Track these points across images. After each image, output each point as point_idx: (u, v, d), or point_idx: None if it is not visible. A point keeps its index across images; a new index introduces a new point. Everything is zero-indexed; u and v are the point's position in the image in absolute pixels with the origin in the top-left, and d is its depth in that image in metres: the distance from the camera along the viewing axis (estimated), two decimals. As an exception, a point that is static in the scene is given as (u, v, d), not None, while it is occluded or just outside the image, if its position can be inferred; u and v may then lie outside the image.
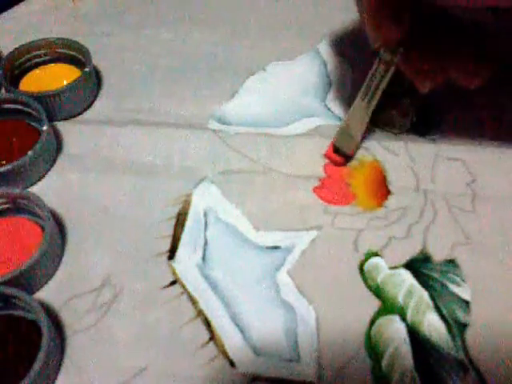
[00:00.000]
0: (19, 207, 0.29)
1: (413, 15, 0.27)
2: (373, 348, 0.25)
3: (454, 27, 0.29)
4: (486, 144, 0.33)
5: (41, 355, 0.23)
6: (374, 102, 0.31)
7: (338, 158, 0.32)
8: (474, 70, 0.29)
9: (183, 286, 0.27)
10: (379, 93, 0.31)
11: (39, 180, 0.32)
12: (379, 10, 0.27)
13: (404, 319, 0.26)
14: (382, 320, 0.26)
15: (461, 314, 0.26)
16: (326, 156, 0.32)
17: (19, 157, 0.30)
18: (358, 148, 0.33)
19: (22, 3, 0.45)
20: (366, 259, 0.28)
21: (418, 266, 0.28)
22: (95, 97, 0.37)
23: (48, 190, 0.31)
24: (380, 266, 0.28)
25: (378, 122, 0.33)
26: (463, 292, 0.27)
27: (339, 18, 0.41)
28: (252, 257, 0.28)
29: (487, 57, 0.29)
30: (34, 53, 0.37)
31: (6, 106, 0.34)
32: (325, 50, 0.40)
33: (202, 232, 0.29)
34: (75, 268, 0.28)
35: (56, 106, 0.34)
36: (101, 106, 0.37)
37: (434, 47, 0.29)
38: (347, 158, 0.32)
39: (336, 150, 0.32)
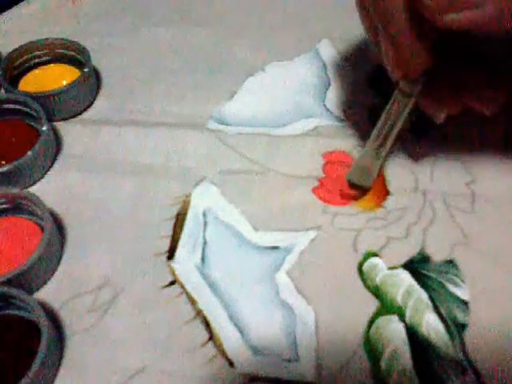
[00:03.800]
0: (19, 207, 0.29)
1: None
2: (371, 348, 0.25)
3: (466, 56, 0.28)
4: (485, 144, 0.33)
5: (40, 355, 0.23)
6: (390, 142, 0.30)
7: (353, 193, 0.31)
8: (490, 97, 0.28)
9: (182, 286, 0.27)
10: (396, 130, 0.29)
11: (39, 180, 0.32)
12: (413, 41, 0.25)
13: (403, 319, 0.26)
14: (380, 320, 0.26)
15: (460, 315, 0.26)
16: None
17: (19, 157, 0.31)
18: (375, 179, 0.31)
19: (22, 3, 0.45)
20: (365, 259, 0.28)
21: (417, 266, 0.28)
22: (94, 97, 0.37)
23: (47, 190, 0.32)
24: (379, 266, 0.28)
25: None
26: (462, 292, 0.27)
27: (339, 18, 0.41)
28: (251, 257, 0.28)
29: (501, 83, 0.28)
30: (34, 53, 0.37)
31: (6, 106, 0.34)
32: (324, 50, 0.40)
33: (201, 232, 0.30)
34: (74, 268, 0.28)
35: (55, 106, 0.34)
36: (100, 106, 0.37)
37: (449, 77, 0.28)
38: (363, 190, 0.31)
39: (352, 185, 0.31)
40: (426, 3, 0.23)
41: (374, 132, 0.30)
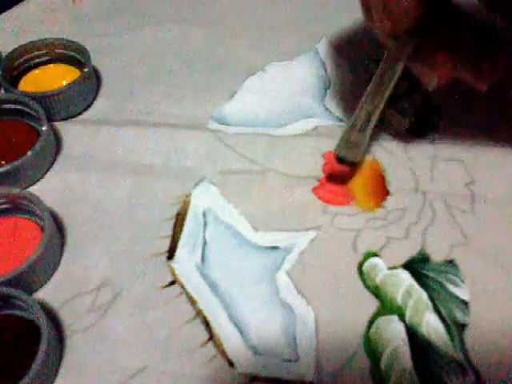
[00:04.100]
0: (18, 207, 0.29)
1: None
2: (371, 348, 0.25)
3: (464, 22, 0.27)
4: (484, 144, 0.33)
5: (40, 355, 0.23)
6: (378, 113, 0.29)
7: (344, 168, 0.30)
8: (484, 69, 0.28)
9: (182, 286, 0.27)
10: (384, 100, 0.29)
11: (38, 180, 0.32)
12: None
13: (403, 319, 0.26)
14: (380, 320, 0.26)
15: (459, 315, 0.26)
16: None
17: (18, 157, 0.30)
18: (365, 153, 0.31)
19: (22, 3, 0.45)
20: (365, 259, 0.28)
21: (417, 266, 0.28)
22: (94, 97, 0.37)
23: (47, 190, 0.31)
24: (379, 267, 0.28)
25: (377, 122, 0.33)
26: (462, 292, 0.27)
27: (338, 18, 0.41)
28: (251, 257, 0.28)
29: (498, 56, 0.28)
30: (34, 53, 0.37)
31: (6, 106, 0.34)
32: (324, 50, 0.40)
33: (201, 232, 0.30)
34: (74, 268, 0.28)
35: (55, 107, 0.34)
36: (100, 106, 0.37)
37: (444, 40, 0.27)
38: (351, 166, 0.31)
39: (340, 160, 0.30)
40: None
41: (362, 101, 0.29)
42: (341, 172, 0.30)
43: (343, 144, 0.30)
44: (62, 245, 0.29)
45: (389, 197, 0.31)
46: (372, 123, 0.30)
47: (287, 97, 0.37)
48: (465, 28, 0.27)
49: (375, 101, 0.29)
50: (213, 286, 0.27)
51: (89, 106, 0.36)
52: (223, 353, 0.25)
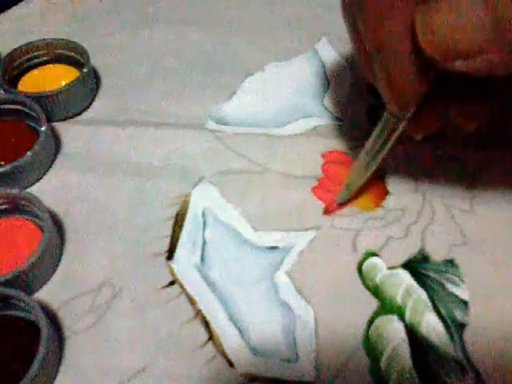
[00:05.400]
0: (18, 208, 0.29)
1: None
2: (371, 348, 0.25)
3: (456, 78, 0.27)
4: (484, 144, 0.33)
5: (39, 356, 0.23)
6: (376, 164, 0.29)
7: (337, 207, 0.31)
8: (473, 112, 0.27)
9: (182, 286, 0.27)
10: (384, 152, 0.28)
11: (38, 180, 0.32)
12: (413, 76, 0.24)
13: (402, 319, 0.26)
14: (380, 320, 0.26)
15: (459, 314, 0.26)
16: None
17: (18, 157, 0.30)
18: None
19: (22, 3, 0.45)
20: (365, 259, 0.28)
21: (417, 266, 0.28)
22: (94, 97, 0.37)
23: (47, 190, 0.31)
24: (378, 266, 0.28)
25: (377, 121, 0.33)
26: (462, 292, 0.27)
27: (338, 18, 0.41)
28: (250, 257, 0.28)
29: (485, 97, 0.27)
30: (33, 53, 0.37)
31: (5, 106, 0.33)
32: (323, 50, 0.40)
33: (201, 232, 0.30)
34: (74, 268, 0.28)
35: (54, 107, 0.34)
36: (99, 106, 0.37)
37: (437, 100, 0.27)
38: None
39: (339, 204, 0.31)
40: (429, 54, 0.22)
41: (362, 154, 0.29)
42: (336, 208, 0.31)
43: (345, 193, 0.30)
44: (62, 245, 0.29)
45: (388, 196, 0.31)
46: (371, 169, 0.29)
47: (286, 97, 0.37)
48: (457, 84, 0.27)
49: (375, 151, 0.29)
50: (212, 286, 0.27)
51: (88, 106, 0.36)
52: (223, 353, 0.25)
